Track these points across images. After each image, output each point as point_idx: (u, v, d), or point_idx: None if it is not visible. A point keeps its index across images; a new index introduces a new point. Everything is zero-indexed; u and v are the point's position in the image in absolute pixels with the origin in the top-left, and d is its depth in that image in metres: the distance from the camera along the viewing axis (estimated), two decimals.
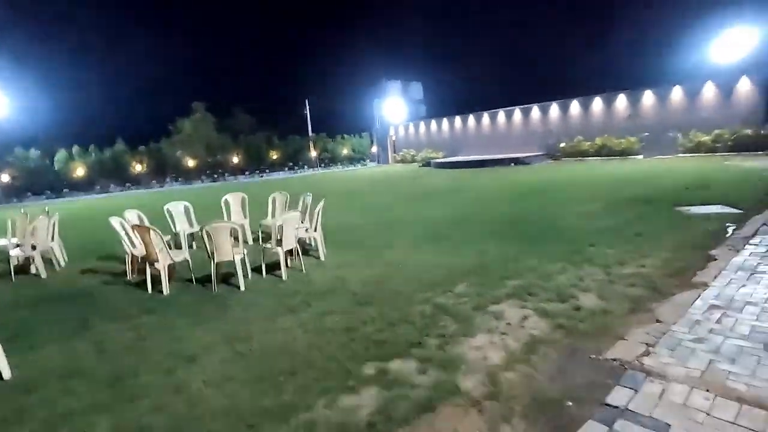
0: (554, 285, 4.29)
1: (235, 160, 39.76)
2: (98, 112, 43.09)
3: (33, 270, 6.47)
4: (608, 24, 35.26)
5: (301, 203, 6.86)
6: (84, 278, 6.15)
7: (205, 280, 5.28)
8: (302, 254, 5.69)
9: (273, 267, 5.54)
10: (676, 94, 21.40)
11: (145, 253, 5.23)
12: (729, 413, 2.18)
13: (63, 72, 46.97)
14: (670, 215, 7.25)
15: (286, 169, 42.36)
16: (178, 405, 2.72)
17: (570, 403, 2.42)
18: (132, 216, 6.48)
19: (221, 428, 2.46)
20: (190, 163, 36.70)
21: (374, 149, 43.52)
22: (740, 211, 7.04)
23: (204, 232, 4.98)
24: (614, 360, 2.81)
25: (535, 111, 27.53)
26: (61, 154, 30.86)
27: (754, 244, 5.08)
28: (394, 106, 39.52)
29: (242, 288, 4.97)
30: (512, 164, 23.42)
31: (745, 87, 19.26)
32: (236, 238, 5.24)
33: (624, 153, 22.32)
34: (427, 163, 30.02)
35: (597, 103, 24.46)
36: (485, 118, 30.78)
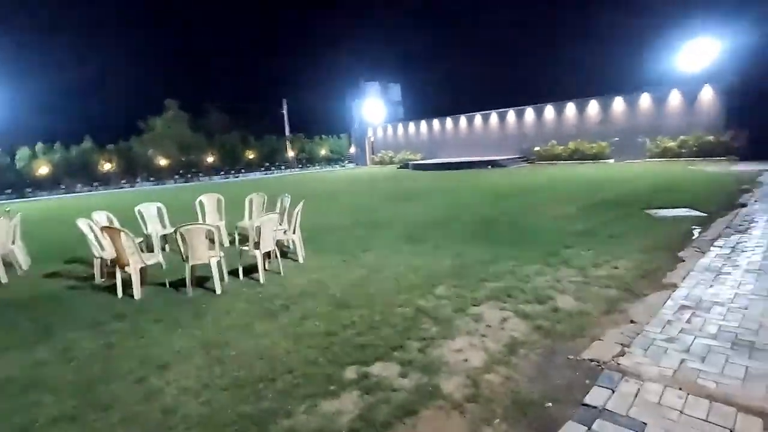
0: (532, 287, 4.36)
1: (210, 159, 38.90)
2: (64, 108, 41.32)
3: None
4: (580, 32, 36.33)
5: (279, 205, 6.75)
6: (48, 283, 5.87)
7: (179, 284, 5.12)
8: (280, 257, 5.59)
9: (250, 270, 5.43)
10: (644, 100, 22.23)
11: (115, 256, 5.03)
12: (701, 411, 2.25)
13: (25, 65, 44.82)
14: (641, 218, 7.50)
15: (263, 169, 41.76)
16: (151, 414, 2.62)
17: (550, 404, 2.46)
18: (101, 217, 6.22)
19: None
20: (162, 162, 35.66)
21: (352, 150, 43.43)
22: (705, 215, 7.36)
23: (178, 234, 4.83)
24: (591, 360, 2.87)
25: (511, 115, 28.08)
26: (23, 152, 29.47)
27: (719, 246, 5.31)
28: (372, 107, 39.56)
29: (218, 292, 4.84)
30: (489, 167, 23.80)
31: (707, 95, 20.19)
32: (212, 241, 5.11)
33: (596, 157, 23.04)
34: (405, 165, 30.16)
35: (570, 109, 25.16)
36: (462, 121, 31.18)
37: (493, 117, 29.11)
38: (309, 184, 22.86)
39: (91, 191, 29.39)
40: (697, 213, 7.52)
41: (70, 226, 5.93)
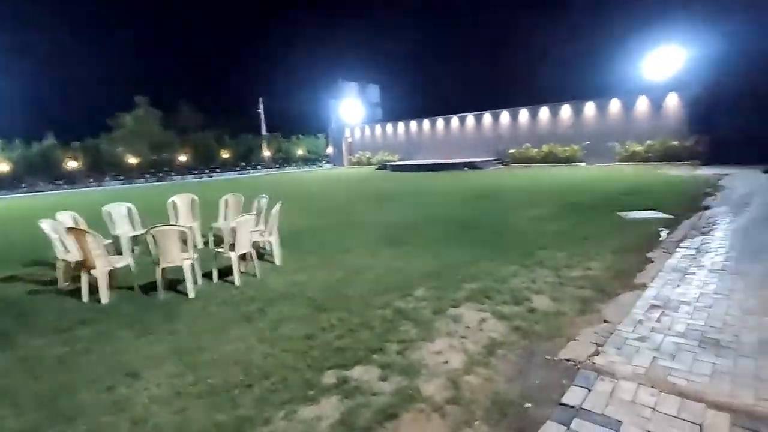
0: (509, 288, 4.42)
1: (183, 158, 37.87)
2: (24, 103, 39.39)
3: None
4: (551, 39, 37.31)
5: (255, 205, 6.62)
6: (7, 287, 5.55)
7: (149, 288, 4.94)
8: (257, 259, 5.47)
9: (225, 272, 5.29)
10: (614, 106, 23.02)
11: (80, 258, 4.80)
12: (672, 408, 2.32)
13: None
14: (611, 220, 7.74)
15: (238, 169, 41.00)
16: (120, 425, 2.50)
17: (529, 405, 2.48)
18: (65, 218, 5.94)
19: None
20: (132, 160, 34.48)
21: (330, 150, 43.16)
22: (671, 217, 7.65)
23: (149, 235, 4.65)
24: (568, 360, 2.92)
25: (487, 118, 28.53)
26: None
27: (685, 247, 5.53)
28: (350, 108, 39.43)
29: (191, 295, 4.69)
30: (465, 169, 24.09)
31: (673, 102, 21.08)
32: (185, 242, 4.95)
33: (568, 160, 23.69)
34: (383, 166, 30.19)
35: (544, 112, 25.77)
36: (440, 123, 31.48)
37: (470, 119, 29.50)
38: (286, 184, 22.57)
39: (54, 190, 28.09)
40: (664, 215, 7.82)
41: (32, 227, 5.64)
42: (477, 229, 7.70)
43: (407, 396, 2.63)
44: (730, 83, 17.67)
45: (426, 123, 32.45)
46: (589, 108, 23.89)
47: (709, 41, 18.57)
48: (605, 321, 3.50)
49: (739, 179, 12.62)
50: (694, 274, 4.48)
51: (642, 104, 22.04)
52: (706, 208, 8.28)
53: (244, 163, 42.33)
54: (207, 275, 5.27)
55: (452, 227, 7.93)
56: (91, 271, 4.65)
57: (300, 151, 47.58)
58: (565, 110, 24.83)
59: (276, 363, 3.12)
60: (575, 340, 3.21)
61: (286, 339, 3.53)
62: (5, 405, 2.77)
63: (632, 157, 21.43)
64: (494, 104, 28.11)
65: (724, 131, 17.87)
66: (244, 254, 5.37)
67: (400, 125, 34.58)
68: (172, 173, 35.73)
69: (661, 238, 6.19)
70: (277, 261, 5.89)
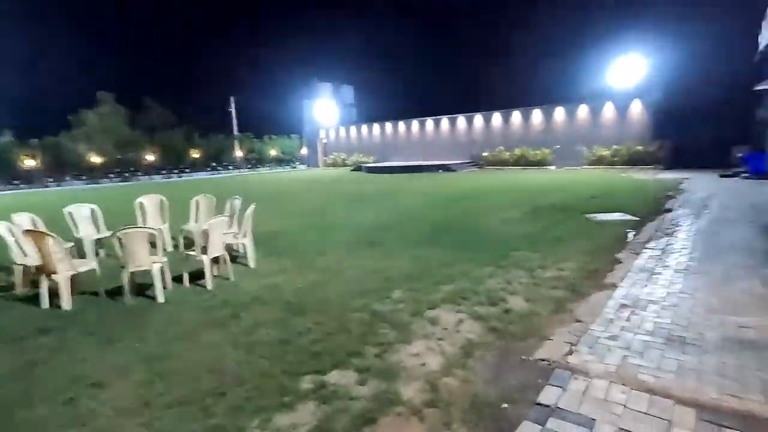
0: (485, 289, 4.47)
1: (150, 158, 36.63)
2: None
3: None
4: (523, 47, 38.30)
5: (228, 207, 6.45)
6: None
7: (115, 293, 4.72)
8: (230, 262, 5.33)
9: (197, 276, 5.12)
10: (582, 111, 23.81)
11: (40, 262, 4.54)
12: (642, 404, 2.39)
13: None
14: (581, 222, 7.97)
15: (209, 169, 40.03)
16: None
17: (506, 405, 2.50)
18: (23, 220, 5.61)
19: None
20: (96, 159, 33.07)
21: (304, 151, 42.73)
22: (637, 218, 7.95)
23: (115, 238, 4.45)
24: (543, 360, 2.97)
25: (461, 121, 28.95)
26: None
27: (651, 248, 5.75)
28: (325, 108, 39.16)
29: (161, 300, 4.51)
30: (440, 171, 24.34)
31: (637, 109, 22.00)
32: (154, 245, 4.77)
33: (539, 163, 24.33)
34: (358, 167, 30.13)
35: (516, 116, 26.38)
36: (415, 125, 31.70)
37: (444, 122, 29.85)
38: (259, 185, 22.17)
39: (11, 190, 26.58)
40: (630, 217, 8.12)
41: None
42: (453, 230, 7.77)
43: (385, 400, 2.61)
44: (686, 93, 18.67)
45: (401, 125, 32.61)
46: (559, 113, 24.62)
47: (669, 52, 19.53)
48: (578, 320, 3.59)
49: (697, 183, 13.28)
50: (660, 274, 4.66)
51: (608, 110, 22.90)
52: (669, 210, 8.65)
53: (215, 164, 41.39)
54: (177, 279, 5.09)
55: (428, 229, 7.97)
56: (52, 276, 4.41)
57: (273, 152, 46.91)
58: (537, 115, 25.50)
59: (250, 369, 3.04)
60: (550, 339, 3.27)
61: (261, 344, 3.44)
62: None
63: (599, 161, 22.21)
64: (468, 108, 28.60)
65: (684, 138, 18.83)
66: (217, 257, 5.22)
67: (376, 127, 34.62)
68: (139, 173, 34.50)
69: (628, 240, 6.42)
70: (251, 264, 5.75)
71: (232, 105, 44.78)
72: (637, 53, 22.26)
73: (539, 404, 2.46)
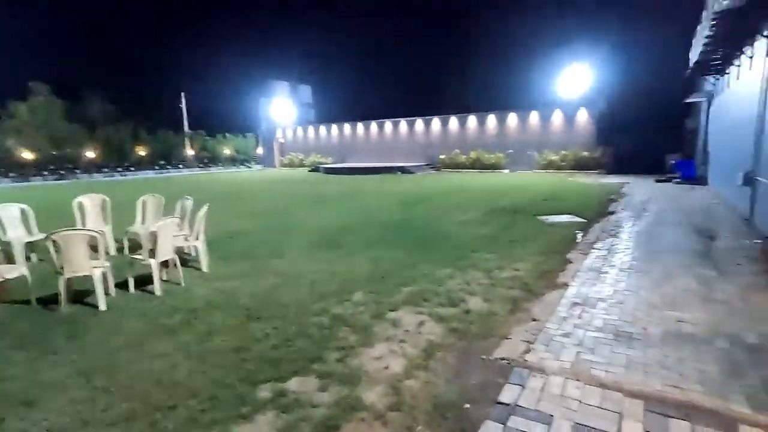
0: (445, 290, 4.52)
1: (91, 154, 34.21)
2: None
3: None
4: (475, 52, 39.58)
5: (179, 208, 6.12)
6: None
7: (50, 301, 4.33)
8: (181, 265, 5.04)
9: (144, 282, 4.80)
10: (534, 118, 24.91)
11: None
12: (596, 399, 2.50)
13: None
14: (534, 223, 8.29)
15: (157, 168, 37.96)
16: None
17: (468, 406, 2.53)
18: None
19: None
20: (28, 156, 30.40)
21: (260, 151, 41.59)
22: (584, 220, 8.39)
23: (50, 241, 4.08)
24: (502, 359, 3.04)
25: (419, 124, 29.37)
26: None
27: (598, 249, 6.08)
28: (282, 108, 38.30)
29: (103, 308, 4.18)
30: (398, 173, 24.53)
31: (583, 117, 23.32)
32: (94, 248, 4.42)
33: (494, 167, 25.16)
34: (315, 168, 29.76)
35: (472, 121, 27.13)
36: (373, 126, 31.77)
37: (403, 125, 30.15)
38: (212, 185, 21.30)
39: None
40: (579, 219, 8.56)
41: None
42: (412, 232, 7.82)
43: (348, 406, 2.55)
44: (627, 104, 20.12)
45: (360, 126, 32.57)
46: (512, 119, 25.61)
47: (612, 65, 20.94)
48: (534, 319, 3.71)
49: (636, 187, 14.25)
50: (607, 273, 4.92)
51: (557, 118, 24.10)
52: (612, 213, 9.20)
53: (164, 162, 39.33)
54: (122, 285, 4.75)
55: (388, 230, 7.98)
56: None
57: (227, 151, 45.36)
58: (491, 120, 26.37)
59: (204, 379, 2.87)
60: (508, 338, 3.35)
61: (216, 352, 3.27)
62: None
63: (549, 165, 23.31)
64: (426, 111, 29.07)
65: (624, 145, 20.21)
66: (166, 261, 4.93)
67: (334, 128, 34.35)
68: (78, 171, 32.08)
69: (577, 240, 6.75)
70: (204, 268, 5.48)
71: (183, 101, 42.79)
72: (584, 64, 23.65)
73: (500, 403, 2.51)
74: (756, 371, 2.74)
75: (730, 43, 9.05)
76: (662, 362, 2.89)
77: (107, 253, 5.69)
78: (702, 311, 3.72)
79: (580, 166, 22.14)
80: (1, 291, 4.25)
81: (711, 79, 13.53)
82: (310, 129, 36.15)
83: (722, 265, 5.04)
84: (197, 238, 5.51)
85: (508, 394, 2.58)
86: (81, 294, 4.49)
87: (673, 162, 16.47)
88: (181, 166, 39.67)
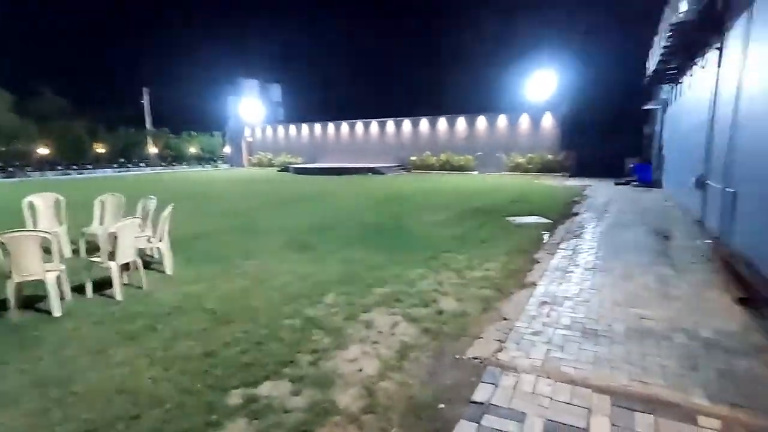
0: (417, 290, 4.53)
1: (43, 151, 32.26)
2: None
3: None
4: (445, 55, 40.21)
5: (140, 208, 5.85)
6: None
7: None
8: (144, 268, 4.82)
9: (102, 285, 4.56)
10: (502, 121, 25.52)
11: None
12: (565, 395, 2.56)
13: None
14: (503, 224, 8.47)
15: (116, 166, 36.29)
16: None
17: (442, 406, 2.53)
18: None
19: None
20: None
21: (227, 150, 40.53)
22: (550, 221, 8.65)
23: None
24: (475, 358, 3.07)
25: (390, 125, 29.48)
26: None
27: (563, 249, 6.27)
28: (251, 106, 37.48)
29: (57, 314, 3.93)
30: (369, 173, 24.53)
31: (548, 121, 24.10)
32: (48, 251, 4.15)
33: (463, 168, 25.60)
34: (285, 168, 29.32)
35: (442, 123, 27.50)
36: (344, 127, 31.63)
37: (374, 126, 30.17)
38: (177, 184, 20.56)
39: None
40: (545, 220, 8.82)
41: None
42: (384, 233, 7.82)
43: (321, 410, 2.51)
44: (589, 109, 21.03)
45: (331, 126, 32.34)
46: (481, 122, 26.14)
47: (576, 71, 21.78)
48: (504, 318, 3.77)
49: (598, 190, 14.86)
50: (572, 272, 5.09)
51: (524, 121, 24.80)
52: (575, 214, 9.54)
53: (124, 160, 37.66)
54: (78, 289, 4.48)
55: (359, 231, 7.94)
56: None
57: (193, 150, 43.96)
58: (461, 122, 26.81)
59: (170, 387, 2.75)
60: (480, 338, 3.40)
61: (182, 358, 3.14)
62: None
63: (516, 167, 23.96)
64: (396, 112, 29.23)
65: (586, 149, 21.04)
66: (127, 264, 4.70)
67: (304, 127, 33.94)
68: (29, 168, 30.19)
69: (543, 241, 6.94)
70: (168, 270, 5.26)
71: (146, 97, 41.12)
72: (550, 70, 24.46)
73: (474, 402, 2.53)
74: (711, 364, 2.90)
75: (685, 53, 9.60)
76: (626, 358, 3.00)
77: (62, 255, 5.37)
78: (661, 308, 3.90)
79: (546, 168, 22.87)
80: None
81: (666, 87, 14.31)
82: (280, 128, 35.57)
83: (678, 264, 5.32)
84: (161, 240, 5.28)
85: (481, 393, 2.61)
86: (33, 299, 4.21)
87: (632, 165, 17.29)
88: (143, 164, 38.10)
